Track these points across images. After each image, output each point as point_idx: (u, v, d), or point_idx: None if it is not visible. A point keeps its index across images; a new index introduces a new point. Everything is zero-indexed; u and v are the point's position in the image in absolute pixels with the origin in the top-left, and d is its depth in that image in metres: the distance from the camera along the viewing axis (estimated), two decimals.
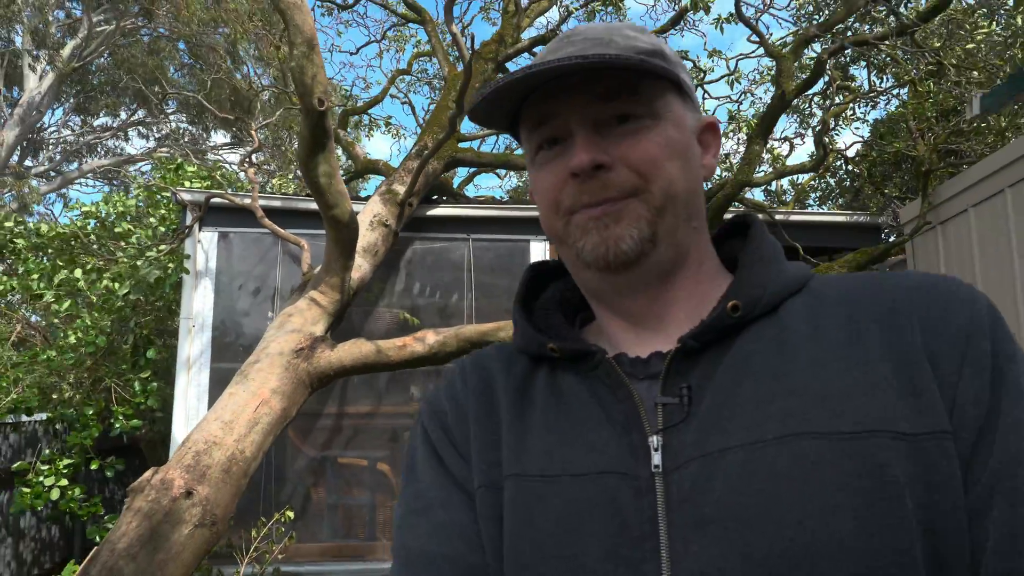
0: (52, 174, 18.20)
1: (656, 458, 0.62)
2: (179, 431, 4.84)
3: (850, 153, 6.10)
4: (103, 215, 5.90)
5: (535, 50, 5.89)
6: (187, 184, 6.32)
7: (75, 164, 19.13)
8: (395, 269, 5.35)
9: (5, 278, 5.46)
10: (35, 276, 5.62)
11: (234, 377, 3.86)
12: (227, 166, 8.00)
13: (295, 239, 4.60)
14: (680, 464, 0.61)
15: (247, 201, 4.86)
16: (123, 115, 19.44)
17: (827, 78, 5.31)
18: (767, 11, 5.27)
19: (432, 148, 4.36)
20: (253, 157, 5.32)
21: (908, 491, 0.55)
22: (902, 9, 4.41)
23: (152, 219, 5.75)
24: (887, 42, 3.90)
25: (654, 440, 0.63)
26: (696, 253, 0.72)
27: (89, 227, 5.90)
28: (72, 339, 4.76)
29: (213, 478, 3.42)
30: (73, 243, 5.71)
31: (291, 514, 4.36)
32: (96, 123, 19.16)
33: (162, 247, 4.92)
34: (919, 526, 0.54)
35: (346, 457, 5.44)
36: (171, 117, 19.02)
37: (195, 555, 3.32)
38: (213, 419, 3.60)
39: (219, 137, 19.15)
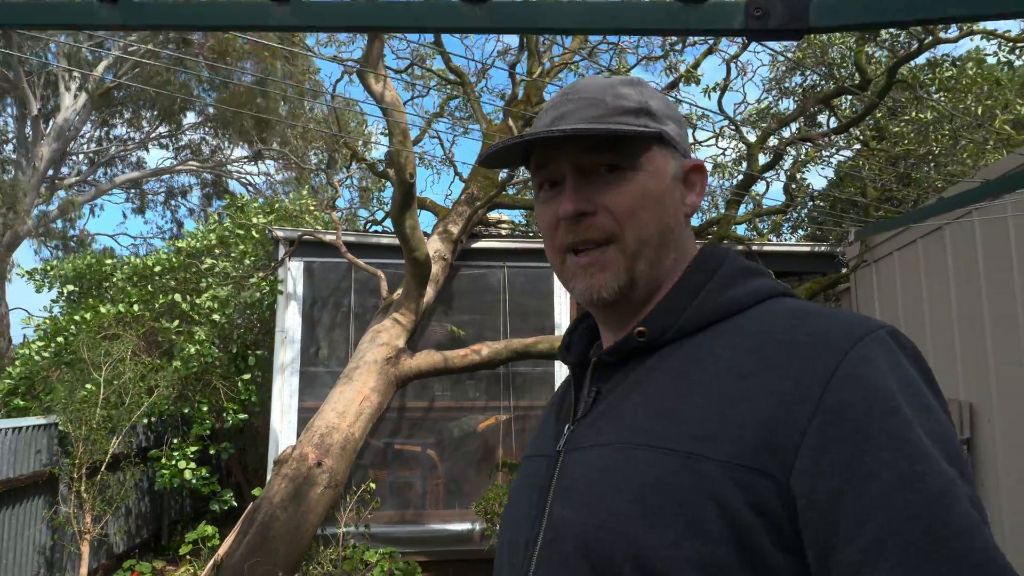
0: (84, 186, 19.31)
1: (561, 442, 0.81)
2: (276, 421, 6.07)
3: (815, 188, 7.44)
4: (191, 248, 7.08)
5: None
6: (255, 219, 7.54)
7: (99, 173, 20.22)
8: (445, 291, 6.57)
9: (109, 306, 6.65)
10: (133, 301, 6.82)
11: (340, 378, 5.09)
12: (283, 199, 9.13)
13: (373, 270, 5.82)
14: (572, 448, 0.78)
15: (331, 238, 6.09)
16: (145, 126, 20.53)
17: (796, 127, 6.58)
18: (749, 79, 6.50)
19: (484, 202, 5.59)
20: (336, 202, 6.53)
21: (691, 497, 0.65)
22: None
23: (233, 253, 6.95)
24: (831, 136, 5.20)
25: (566, 429, 0.82)
26: (674, 278, 0.83)
27: (176, 260, 7.08)
28: (192, 350, 5.97)
29: (334, 453, 4.65)
30: (162, 275, 6.90)
31: (373, 485, 5.59)
32: (122, 136, 20.24)
33: (260, 275, 6.15)
34: (694, 526, 0.65)
35: (403, 444, 6.66)
36: (194, 131, 20.23)
37: (325, 508, 4.56)
38: (330, 410, 4.83)
39: (239, 150, 20.31)
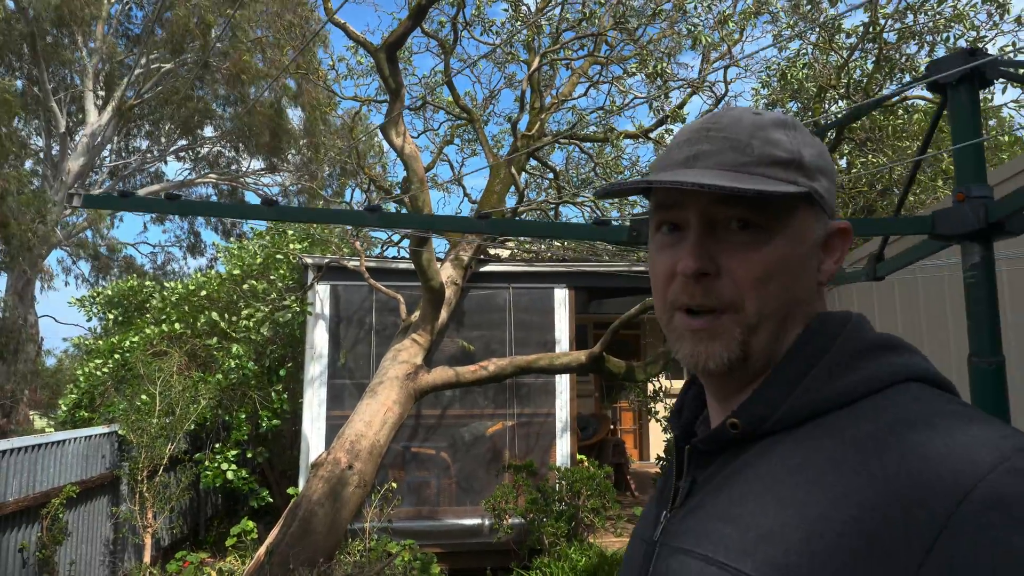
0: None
1: (658, 532, 0.76)
2: (307, 428, 6.82)
3: None
4: (243, 273, 7.82)
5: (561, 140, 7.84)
6: (291, 246, 8.29)
7: (120, 185, 21.04)
8: (456, 310, 7.31)
9: (153, 326, 7.40)
10: (175, 320, 7.57)
11: (366, 392, 5.83)
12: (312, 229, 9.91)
13: (393, 294, 6.56)
14: (665, 542, 0.73)
15: (354, 264, 6.82)
16: (163, 140, 21.36)
17: None
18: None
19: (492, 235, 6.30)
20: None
21: None
22: None
23: (272, 276, 7.70)
24: None
25: (663, 516, 0.77)
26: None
27: (217, 283, 7.81)
28: (231, 363, 6.72)
29: (363, 457, 5.39)
30: (202, 298, 7.65)
31: (395, 485, 6.33)
32: (141, 147, 21.09)
33: (292, 297, 6.90)
34: None
35: (419, 447, 7.41)
36: (211, 144, 21.07)
37: (356, 505, 5.30)
38: (358, 420, 5.57)
39: (255, 163, 21.12)
